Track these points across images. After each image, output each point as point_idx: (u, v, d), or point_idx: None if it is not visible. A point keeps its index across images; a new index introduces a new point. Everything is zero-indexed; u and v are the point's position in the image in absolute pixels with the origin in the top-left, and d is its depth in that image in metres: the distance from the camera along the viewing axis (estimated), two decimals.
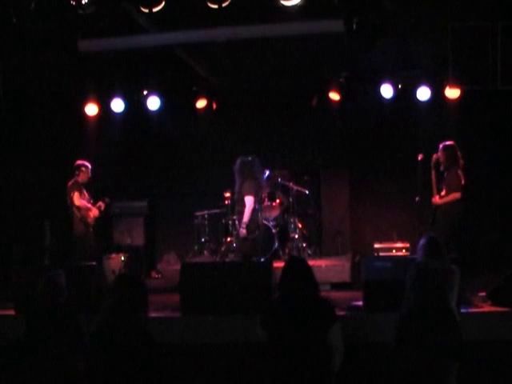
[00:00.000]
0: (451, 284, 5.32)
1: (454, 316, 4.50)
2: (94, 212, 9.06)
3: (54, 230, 9.88)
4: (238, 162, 8.32)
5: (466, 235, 8.21)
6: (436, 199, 8.06)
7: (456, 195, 7.88)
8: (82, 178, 8.97)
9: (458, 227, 7.83)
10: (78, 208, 8.85)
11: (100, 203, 9.18)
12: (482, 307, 6.62)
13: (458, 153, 8.02)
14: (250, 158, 8.82)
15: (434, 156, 8.19)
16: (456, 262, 5.58)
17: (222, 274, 6.89)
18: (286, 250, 9.35)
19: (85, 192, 9.04)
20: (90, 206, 9.01)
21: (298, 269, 4.65)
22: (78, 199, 8.84)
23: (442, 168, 8.12)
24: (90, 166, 9.05)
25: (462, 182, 7.92)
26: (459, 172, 7.96)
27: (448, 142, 8.08)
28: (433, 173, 8.20)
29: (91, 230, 9.00)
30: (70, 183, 8.93)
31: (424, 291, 4.38)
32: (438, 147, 8.12)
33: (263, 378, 4.64)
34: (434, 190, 8.11)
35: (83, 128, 10.38)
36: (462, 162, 8.01)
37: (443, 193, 8.00)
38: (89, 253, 8.56)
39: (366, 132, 10.35)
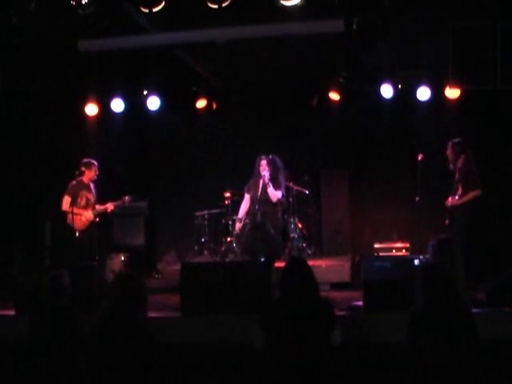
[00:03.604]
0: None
1: (470, 314, 4.46)
2: (87, 216, 8.65)
3: (54, 230, 9.86)
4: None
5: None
6: (454, 200, 7.77)
7: (476, 193, 7.65)
8: (89, 176, 8.67)
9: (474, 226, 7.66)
10: (66, 213, 8.53)
11: (108, 205, 8.85)
12: (481, 307, 6.61)
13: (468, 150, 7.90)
14: (262, 156, 8.95)
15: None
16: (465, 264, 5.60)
17: (222, 274, 6.88)
18: (286, 250, 9.34)
19: (86, 194, 8.70)
20: (81, 210, 8.58)
21: (297, 270, 4.65)
22: (66, 204, 8.51)
23: (451, 167, 7.99)
24: (96, 164, 8.76)
25: (479, 177, 7.71)
26: (474, 168, 7.77)
27: (456, 139, 7.97)
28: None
29: (80, 235, 8.56)
30: (71, 184, 8.64)
31: (435, 291, 4.35)
32: (446, 145, 8.03)
33: (263, 378, 4.63)
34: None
35: (83, 128, 10.37)
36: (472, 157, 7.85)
37: (459, 192, 7.73)
38: (82, 255, 8.43)
39: (365, 132, 10.35)
